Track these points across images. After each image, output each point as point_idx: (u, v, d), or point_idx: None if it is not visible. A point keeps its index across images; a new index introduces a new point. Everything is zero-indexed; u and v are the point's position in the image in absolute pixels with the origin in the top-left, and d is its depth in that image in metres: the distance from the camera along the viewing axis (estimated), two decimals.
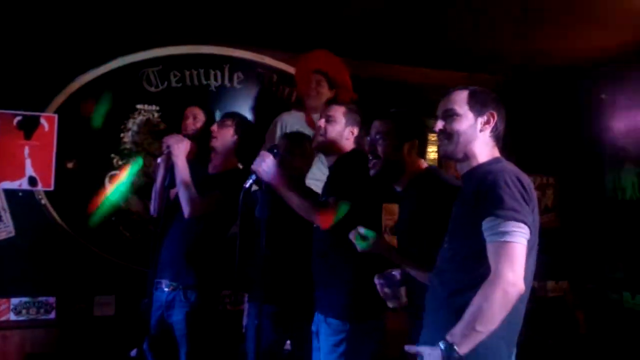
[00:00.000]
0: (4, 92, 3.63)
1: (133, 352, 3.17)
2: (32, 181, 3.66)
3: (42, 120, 3.71)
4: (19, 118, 3.66)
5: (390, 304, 2.23)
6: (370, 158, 2.34)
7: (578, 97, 4.91)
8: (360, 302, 2.45)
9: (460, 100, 1.94)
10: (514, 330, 1.83)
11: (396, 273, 2.23)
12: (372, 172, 2.34)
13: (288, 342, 3.02)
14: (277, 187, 2.50)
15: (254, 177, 2.50)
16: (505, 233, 1.68)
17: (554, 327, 4.64)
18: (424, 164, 2.37)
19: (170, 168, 2.95)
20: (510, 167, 1.86)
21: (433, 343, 1.76)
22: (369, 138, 2.41)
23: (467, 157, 1.93)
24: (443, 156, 2.01)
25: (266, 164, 2.46)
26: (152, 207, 3.20)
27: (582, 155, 4.97)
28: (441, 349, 1.67)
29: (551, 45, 4.14)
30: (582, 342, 4.55)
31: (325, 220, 2.46)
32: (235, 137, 3.09)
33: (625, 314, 4.44)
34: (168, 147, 2.94)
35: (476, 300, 1.66)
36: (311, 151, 2.97)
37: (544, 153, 5.00)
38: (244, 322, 3.19)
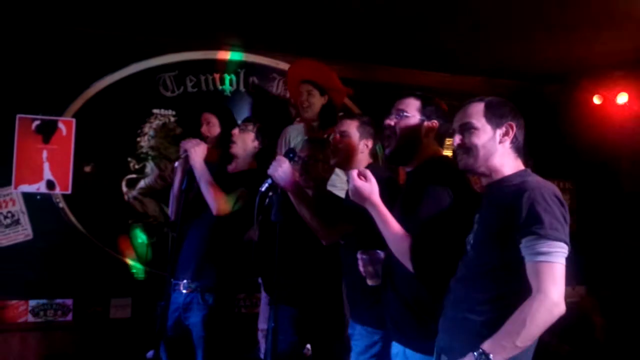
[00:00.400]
0: (23, 97, 3.69)
1: (149, 354, 3.19)
2: (50, 184, 3.71)
3: (60, 125, 3.76)
4: (37, 122, 3.71)
5: (369, 282, 2.26)
6: (387, 134, 2.24)
7: (593, 101, 4.87)
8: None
9: (476, 113, 1.90)
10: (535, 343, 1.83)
11: (380, 252, 2.24)
12: (386, 150, 2.25)
13: (308, 345, 3.02)
14: (291, 193, 2.51)
15: (269, 181, 2.51)
16: (547, 253, 1.66)
17: (570, 332, 4.59)
18: (440, 151, 2.27)
19: (187, 172, 2.96)
20: (545, 183, 1.82)
21: (453, 350, 1.77)
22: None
23: (490, 170, 1.90)
24: (464, 170, 1.96)
25: (282, 169, 2.46)
26: (170, 210, 3.22)
27: (599, 159, 4.93)
28: (475, 357, 1.67)
29: (565, 50, 4.13)
30: (599, 347, 4.50)
31: (325, 238, 2.52)
32: (257, 142, 3.10)
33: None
34: (185, 151, 2.96)
35: (519, 316, 1.65)
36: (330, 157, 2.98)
37: (561, 157, 4.97)
38: (260, 325, 3.19)
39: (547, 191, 1.73)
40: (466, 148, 1.89)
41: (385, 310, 2.23)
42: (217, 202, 2.86)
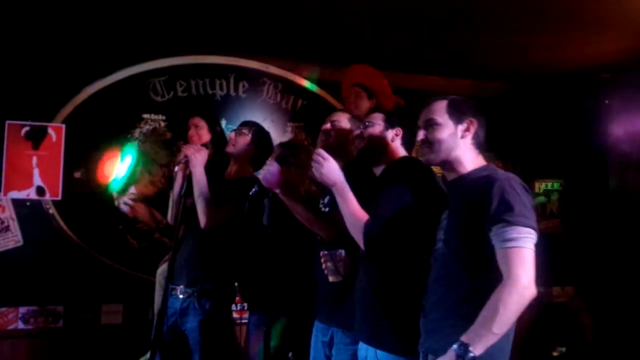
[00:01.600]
0: (12, 103, 3.67)
1: None
2: (40, 191, 3.69)
3: (50, 131, 3.74)
4: (27, 128, 3.70)
5: (330, 278, 2.37)
6: (358, 136, 2.45)
7: (582, 102, 4.92)
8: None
9: (439, 109, 2.02)
10: (513, 330, 1.87)
11: (342, 251, 2.34)
12: (355, 151, 2.47)
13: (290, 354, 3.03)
14: (280, 194, 2.52)
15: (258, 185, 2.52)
16: (517, 239, 1.72)
17: (559, 332, 4.64)
18: (408, 154, 2.45)
19: (187, 177, 2.97)
20: (508, 173, 1.91)
21: (438, 352, 1.80)
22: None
23: (452, 164, 1.99)
24: (426, 164, 2.08)
25: (270, 173, 2.48)
26: (169, 215, 3.22)
27: (587, 160, 4.99)
28: (455, 350, 1.71)
29: (555, 53, 4.17)
30: (588, 347, 4.55)
31: (327, 232, 2.50)
32: (252, 145, 3.10)
33: (631, 320, 4.44)
34: (186, 156, 2.96)
35: (492, 303, 1.71)
36: (307, 161, 2.99)
37: (549, 158, 5.03)
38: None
39: (514, 181, 1.83)
40: (429, 143, 2.01)
41: (357, 313, 2.28)
42: (206, 216, 2.85)
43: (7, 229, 3.62)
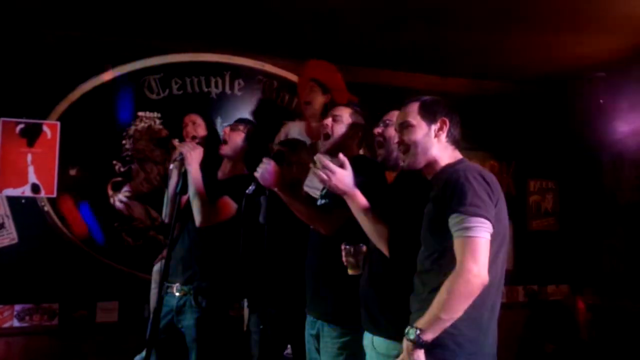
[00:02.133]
0: (7, 100, 3.66)
1: (137, 358, 3.19)
2: (35, 188, 3.69)
3: (45, 128, 3.74)
4: (21, 126, 3.69)
5: (350, 271, 2.38)
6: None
7: (577, 102, 4.94)
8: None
9: (412, 111, 2.07)
10: (487, 325, 1.91)
11: (363, 245, 2.37)
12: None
13: (289, 346, 3.04)
14: (279, 193, 2.52)
15: (256, 183, 2.52)
16: (468, 228, 1.78)
17: (554, 331, 4.66)
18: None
19: (182, 175, 2.96)
20: (472, 165, 1.98)
21: None
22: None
23: (430, 163, 2.05)
24: (408, 169, 2.10)
25: (267, 171, 2.49)
26: (165, 212, 3.22)
27: (581, 159, 5.01)
28: (407, 335, 1.81)
29: (549, 52, 4.19)
30: (583, 346, 4.57)
31: (327, 227, 2.49)
32: (245, 142, 3.10)
33: (626, 318, 4.46)
34: (181, 154, 2.95)
35: (441, 291, 1.78)
36: (307, 159, 3.00)
37: (544, 157, 5.05)
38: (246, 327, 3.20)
39: (470, 172, 1.88)
40: (405, 145, 2.06)
41: (362, 302, 2.31)
42: (201, 215, 2.86)
43: (2, 226, 3.62)
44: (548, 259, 5.00)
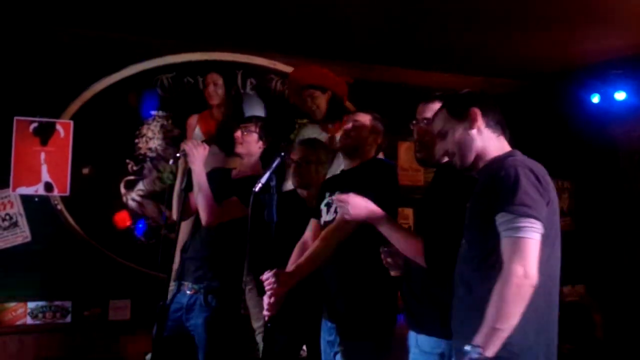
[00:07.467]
0: (21, 99, 3.69)
1: (148, 357, 3.18)
2: (48, 187, 3.71)
3: (58, 127, 3.76)
4: (35, 125, 3.71)
5: (392, 273, 2.34)
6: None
7: (593, 99, 4.87)
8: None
9: (443, 118, 2.00)
10: (544, 329, 1.80)
11: None
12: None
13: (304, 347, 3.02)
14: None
15: (262, 180, 2.49)
16: (516, 229, 1.67)
17: (571, 331, 4.59)
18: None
19: (187, 171, 2.94)
20: (522, 159, 1.85)
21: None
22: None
23: (478, 156, 1.93)
24: (465, 172, 1.99)
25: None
26: (174, 210, 3.20)
27: (598, 157, 4.93)
28: (467, 353, 1.65)
29: (565, 49, 4.14)
30: (600, 345, 4.50)
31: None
32: (260, 142, 3.07)
33: None
34: (183, 150, 2.93)
35: (492, 300, 1.65)
36: (326, 158, 2.97)
37: (560, 157, 4.97)
38: (254, 324, 3.18)
39: (521, 167, 1.75)
40: (451, 153, 1.97)
41: (404, 302, 2.28)
42: (206, 213, 2.83)
43: (15, 224, 3.64)
44: (564, 259, 4.92)
